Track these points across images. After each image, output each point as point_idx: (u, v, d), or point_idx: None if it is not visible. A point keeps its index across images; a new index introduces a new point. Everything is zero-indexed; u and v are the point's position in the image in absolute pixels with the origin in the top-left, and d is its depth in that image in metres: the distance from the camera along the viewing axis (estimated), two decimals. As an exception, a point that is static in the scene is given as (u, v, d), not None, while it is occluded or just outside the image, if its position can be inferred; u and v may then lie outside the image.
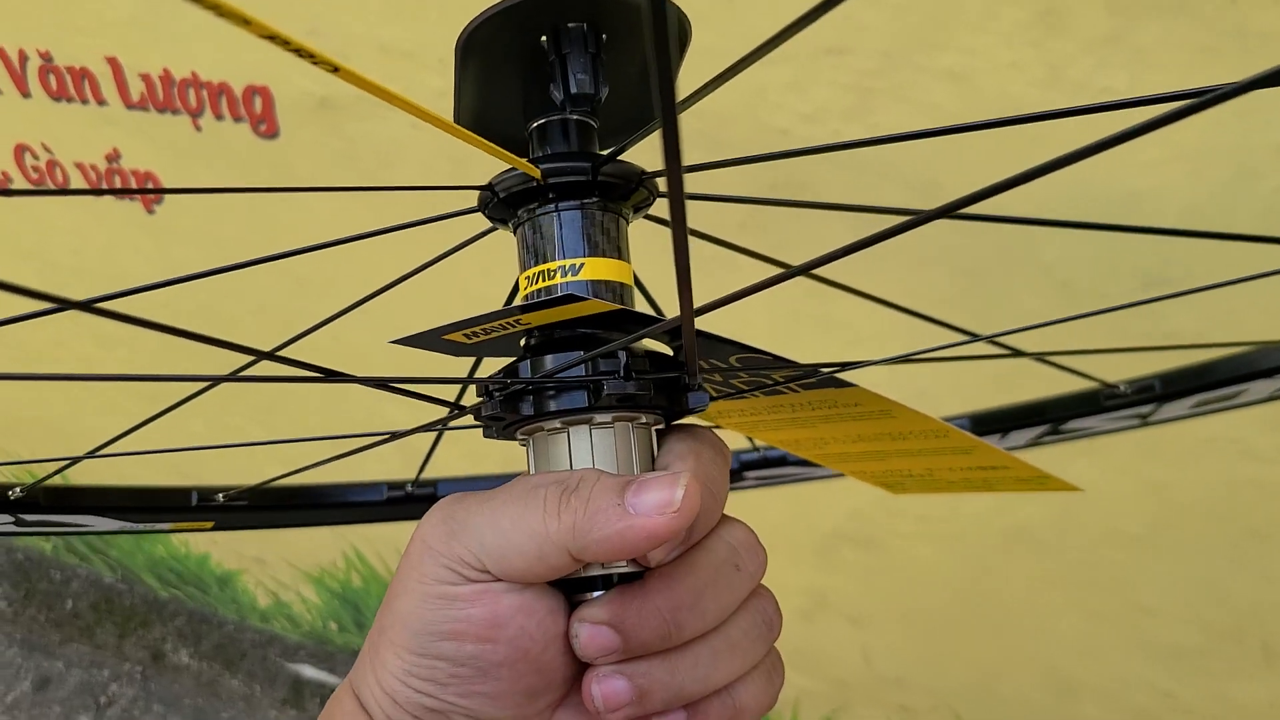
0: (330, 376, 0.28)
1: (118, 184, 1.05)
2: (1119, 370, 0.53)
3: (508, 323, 0.31)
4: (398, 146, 0.88)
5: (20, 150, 1.08)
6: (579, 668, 0.32)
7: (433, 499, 0.58)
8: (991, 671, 1.03)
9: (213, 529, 0.54)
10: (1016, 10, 0.64)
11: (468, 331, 0.32)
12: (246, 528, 0.57)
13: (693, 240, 0.44)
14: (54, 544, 1.67)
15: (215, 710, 1.52)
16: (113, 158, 1.03)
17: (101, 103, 0.99)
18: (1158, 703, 0.95)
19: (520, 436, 0.35)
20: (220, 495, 0.53)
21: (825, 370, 0.36)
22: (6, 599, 1.69)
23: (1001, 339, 0.46)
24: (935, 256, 0.76)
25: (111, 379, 0.25)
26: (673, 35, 0.34)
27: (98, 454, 0.47)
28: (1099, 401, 0.54)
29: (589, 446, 0.33)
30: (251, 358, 0.31)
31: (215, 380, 0.29)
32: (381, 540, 1.33)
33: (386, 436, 0.43)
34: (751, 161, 0.37)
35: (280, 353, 0.30)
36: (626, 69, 0.35)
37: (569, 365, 0.32)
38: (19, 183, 1.13)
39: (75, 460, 0.46)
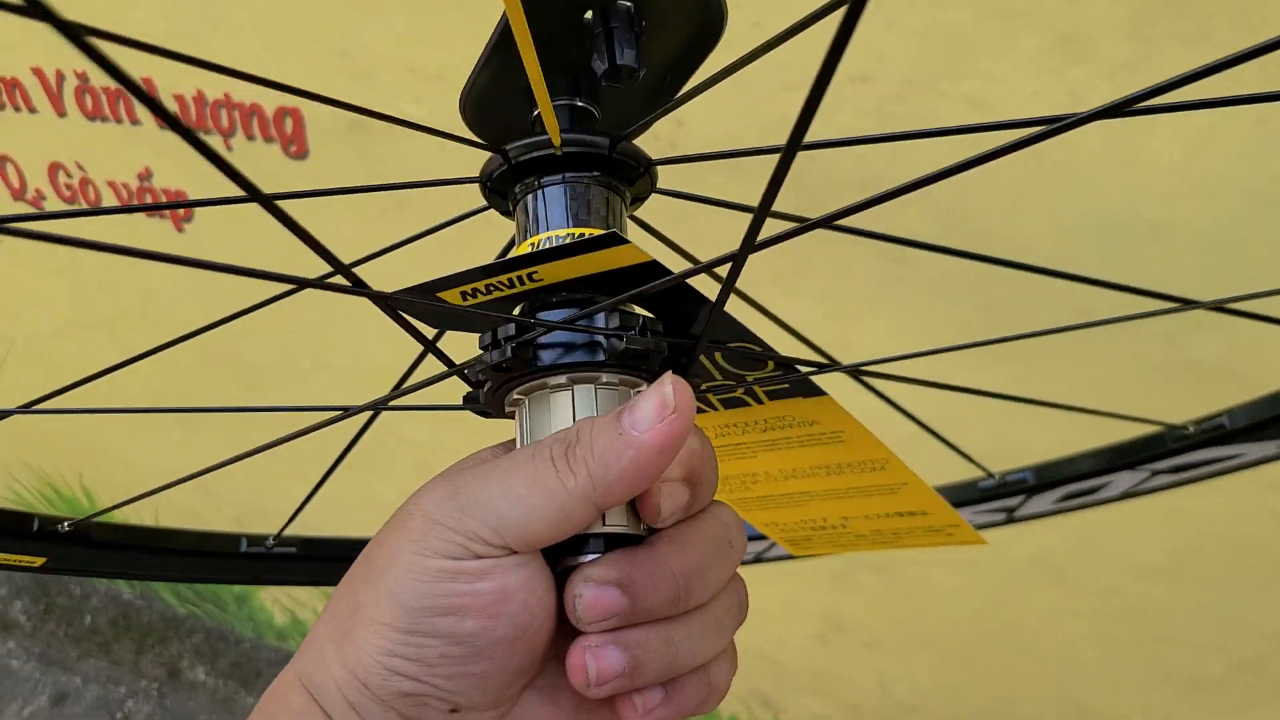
0: (359, 288, 0.28)
1: (149, 201, 1.07)
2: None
3: (522, 275, 0.30)
4: (426, 168, 0.90)
5: (54, 168, 1.10)
6: (555, 646, 0.31)
7: (294, 559, 0.55)
8: (1008, 699, 1.02)
9: (40, 568, 0.48)
10: (1037, 37, 0.65)
11: (467, 288, 0.31)
12: (74, 572, 0.50)
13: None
14: (74, 559, 1.69)
15: (230, 728, 1.52)
16: (144, 176, 1.05)
17: (135, 122, 1.01)
18: (1177, 734, 0.94)
19: (516, 396, 0.33)
20: (64, 524, 0.47)
21: (806, 371, 0.36)
22: (26, 613, 1.70)
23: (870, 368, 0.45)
24: (957, 284, 0.76)
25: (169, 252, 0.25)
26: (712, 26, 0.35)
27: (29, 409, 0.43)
28: (976, 490, 0.54)
29: (593, 407, 0.32)
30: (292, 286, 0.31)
31: (296, 279, 0.27)
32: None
33: (339, 413, 0.41)
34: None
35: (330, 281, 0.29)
36: (646, 61, 0.35)
37: (598, 309, 0.31)
38: (51, 200, 1.15)
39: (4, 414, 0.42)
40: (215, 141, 0.98)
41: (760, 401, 0.39)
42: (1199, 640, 0.87)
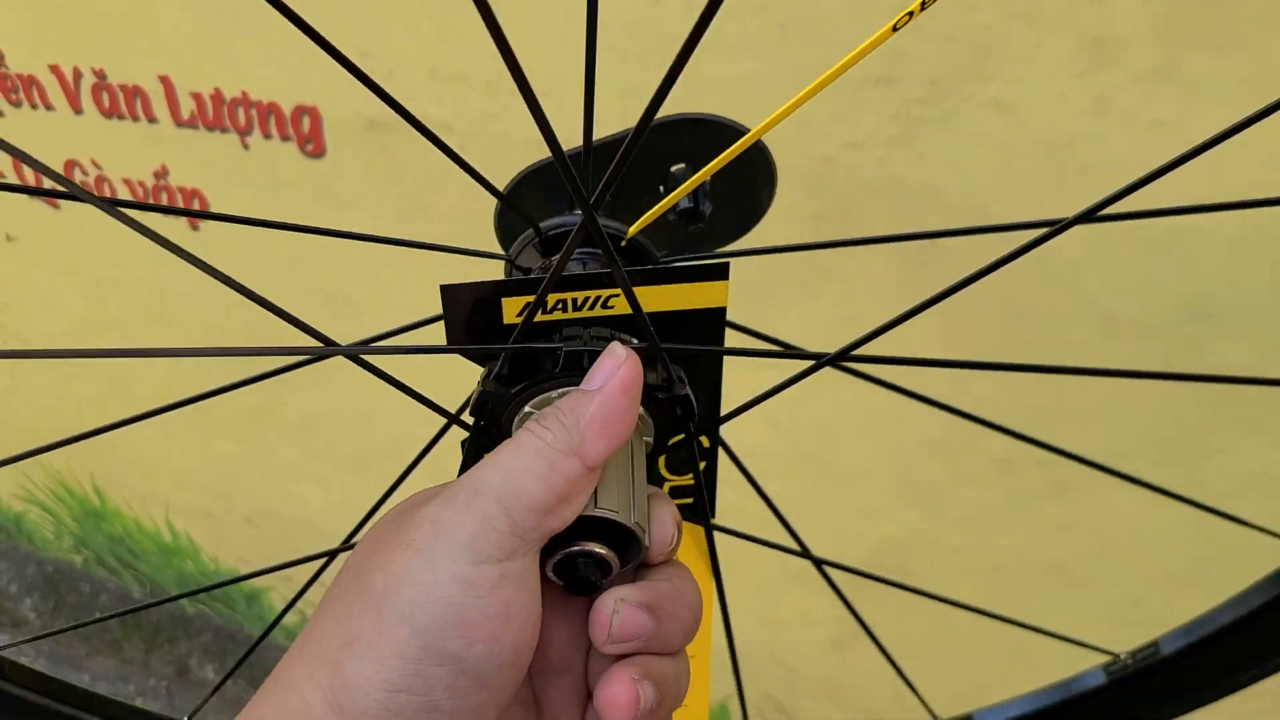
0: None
1: (164, 200, 1.07)
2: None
3: (602, 297, 0.32)
4: (444, 169, 0.89)
5: (70, 166, 1.10)
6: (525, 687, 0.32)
7: None
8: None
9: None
10: (1064, 41, 0.64)
11: (535, 300, 0.32)
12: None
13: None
14: (84, 557, 1.68)
15: (239, 728, 1.52)
16: (160, 174, 1.05)
17: (152, 120, 1.01)
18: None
19: (555, 395, 0.34)
20: None
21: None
22: (35, 611, 1.70)
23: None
24: (980, 288, 0.75)
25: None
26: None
27: None
28: None
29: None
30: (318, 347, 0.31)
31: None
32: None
33: (308, 357, 0.40)
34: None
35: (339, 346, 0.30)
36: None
37: (700, 350, 0.33)
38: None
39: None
40: (231, 140, 0.98)
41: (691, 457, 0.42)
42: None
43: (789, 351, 0.38)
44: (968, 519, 0.88)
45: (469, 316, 0.34)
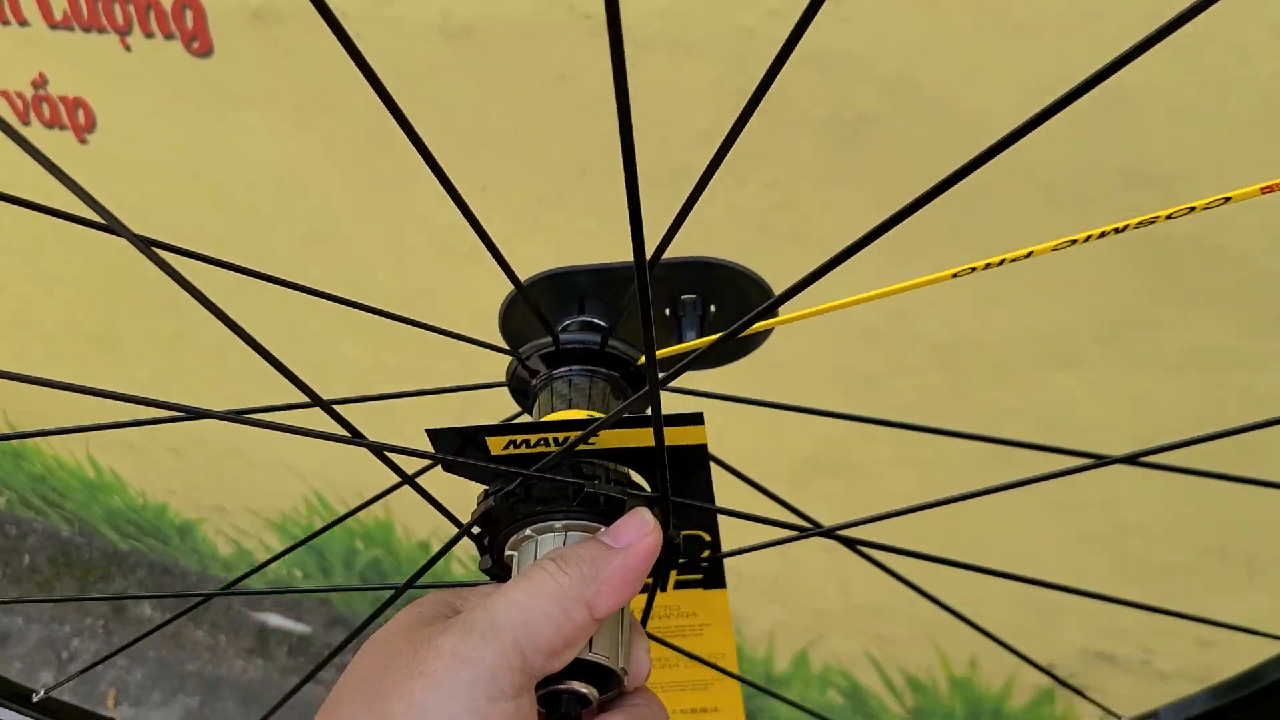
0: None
1: (46, 112, 0.99)
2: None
3: (589, 434, 0.33)
4: (342, 60, 0.83)
5: (-60, 78, 1.01)
6: None
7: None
8: (972, 597, 1.00)
9: None
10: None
11: (520, 438, 0.34)
12: None
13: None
14: (8, 498, 1.62)
15: (180, 662, 1.48)
16: (39, 83, 0.97)
17: (23, 23, 0.93)
18: (1140, 624, 0.94)
19: (558, 525, 0.35)
20: None
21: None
22: (-39, 556, 1.64)
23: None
24: (910, 159, 0.72)
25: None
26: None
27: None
28: None
29: None
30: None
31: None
32: (345, 485, 1.29)
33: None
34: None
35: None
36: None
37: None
38: (-59, 114, 1.06)
39: None
40: (111, 41, 0.90)
41: (662, 589, 0.44)
42: (1164, 529, 0.85)
43: (779, 523, 0.40)
44: (909, 409, 0.86)
45: (456, 450, 0.35)
